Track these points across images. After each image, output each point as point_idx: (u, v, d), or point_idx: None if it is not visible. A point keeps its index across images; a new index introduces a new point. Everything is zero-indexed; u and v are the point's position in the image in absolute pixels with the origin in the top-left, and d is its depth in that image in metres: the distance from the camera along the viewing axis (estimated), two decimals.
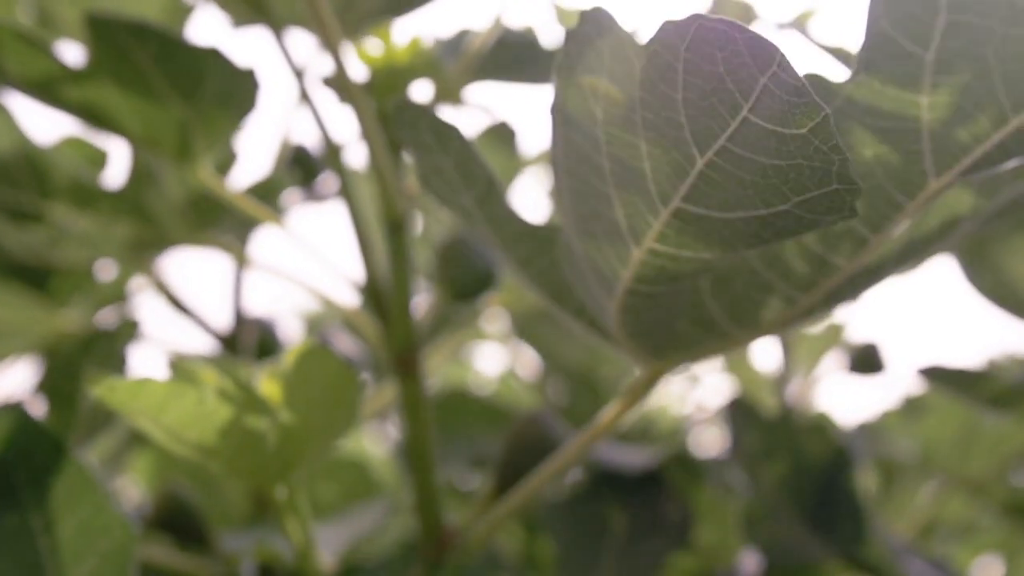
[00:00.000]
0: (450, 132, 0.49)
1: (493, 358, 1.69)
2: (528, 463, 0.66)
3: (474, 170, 0.50)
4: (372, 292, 0.69)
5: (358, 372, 0.56)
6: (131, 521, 0.56)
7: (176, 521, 0.78)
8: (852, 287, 0.53)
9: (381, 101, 0.67)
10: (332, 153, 0.71)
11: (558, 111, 0.45)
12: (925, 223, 0.53)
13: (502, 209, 0.51)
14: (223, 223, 0.81)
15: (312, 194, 0.91)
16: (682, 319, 0.51)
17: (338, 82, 0.65)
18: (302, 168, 0.89)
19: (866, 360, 1.09)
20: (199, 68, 0.62)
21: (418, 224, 1.02)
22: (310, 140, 0.94)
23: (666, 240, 0.43)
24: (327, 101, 0.75)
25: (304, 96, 0.72)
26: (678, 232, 0.42)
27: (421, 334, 0.68)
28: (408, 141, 0.51)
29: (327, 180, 0.92)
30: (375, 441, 1.47)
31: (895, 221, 0.46)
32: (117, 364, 0.72)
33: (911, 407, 1.35)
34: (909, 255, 0.53)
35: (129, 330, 0.93)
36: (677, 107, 0.39)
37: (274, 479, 0.60)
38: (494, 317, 1.61)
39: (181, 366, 0.55)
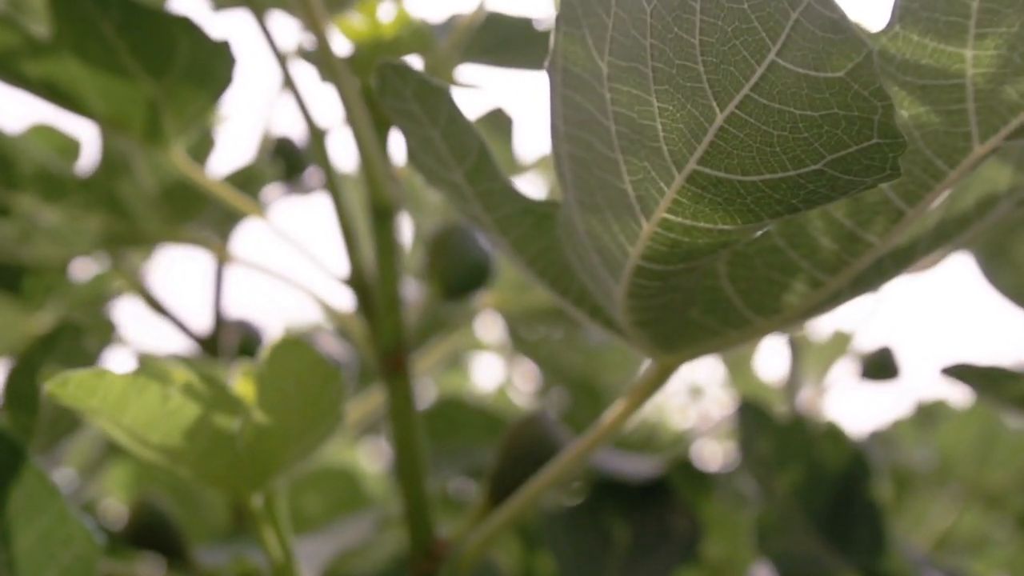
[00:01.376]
0: (438, 97, 0.44)
1: (490, 370, 1.65)
2: (526, 469, 0.60)
3: (465, 140, 0.45)
4: (358, 286, 0.64)
5: (340, 369, 0.52)
6: (95, 532, 0.52)
7: (150, 533, 0.73)
8: (880, 271, 0.49)
9: (366, 79, 0.62)
10: (316, 139, 0.67)
11: (558, 70, 0.40)
12: (960, 200, 0.48)
13: (496, 184, 0.46)
14: (202, 216, 0.76)
15: (297, 187, 0.87)
16: (696, 306, 0.46)
17: (320, 58, 0.60)
18: (286, 160, 0.85)
19: (880, 365, 1.04)
20: (168, 39, 0.57)
21: (408, 223, 0.97)
22: (295, 132, 0.90)
23: (680, 210, 0.38)
24: (311, 86, 0.71)
25: (287, 81, 0.67)
26: (693, 200, 0.37)
27: (410, 331, 0.63)
28: (392, 110, 0.46)
29: (312, 174, 0.87)
30: (371, 457, 1.42)
31: (935, 192, 0.41)
32: (85, 364, 0.67)
33: (923, 415, 1.30)
34: (942, 236, 0.49)
35: (104, 330, 0.88)
36: (694, 54, 0.34)
37: (249, 486, 0.55)
38: (490, 326, 1.56)
39: (145, 361, 0.50)
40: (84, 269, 0.95)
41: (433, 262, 0.68)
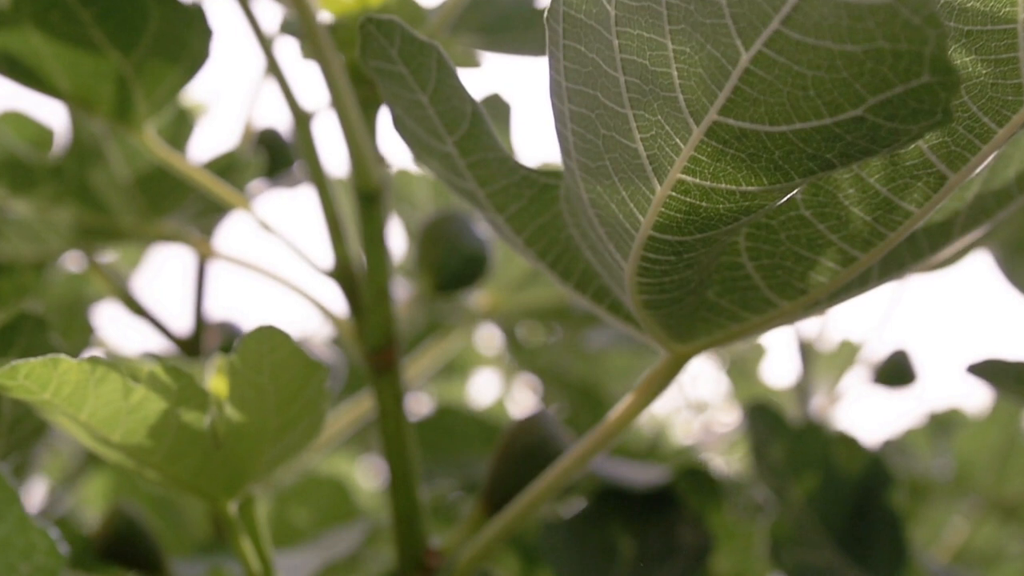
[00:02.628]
0: (427, 56, 0.40)
1: (488, 386, 1.61)
2: (525, 472, 0.56)
3: (456, 105, 0.41)
4: (343, 277, 0.59)
5: (321, 362, 0.47)
6: (58, 542, 0.47)
7: (124, 544, 0.69)
8: (913, 250, 0.44)
9: (351, 54, 0.58)
10: (300, 123, 0.62)
11: (558, 17, 0.36)
12: (1000, 172, 0.43)
13: (490, 153, 0.42)
14: (181, 209, 0.72)
15: (283, 180, 0.82)
16: (712, 286, 0.42)
17: (303, 30, 0.56)
18: (272, 152, 0.80)
19: (895, 370, 1.00)
20: (137, 8, 0.53)
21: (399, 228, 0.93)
22: (282, 126, 0.86)
23: (698, 169, 0.34)
24: (297, 74, 0.66)
25: (272, 66, 0.63)
26: (714, 157, 0.33)
27: (400, 326, 0.59)
28: (377, 73, 0.42)
29: (300, 167, 0.83)
30: (369, 475, 1.37)
31: (980, 154, 0.37)
32: None
33: (936, 425, 1.26)
34: (980, 213, 0.44)
35: (82, 333, 0.84)
36: None
37: (223, 491, 0.50)
38: (488, 343, 1.52)
39: (107, 353, 0.46)
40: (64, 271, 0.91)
41: (424, 253, 0.63)
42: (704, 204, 0.35)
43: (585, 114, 0.36)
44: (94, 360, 0.42)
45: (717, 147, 0.32)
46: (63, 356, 0.41)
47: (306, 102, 0.64)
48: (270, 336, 0.44)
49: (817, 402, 1.12)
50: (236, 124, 0.81)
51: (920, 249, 0.44)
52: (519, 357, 1.23)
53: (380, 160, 0.58)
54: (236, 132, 0.80)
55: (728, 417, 1.68)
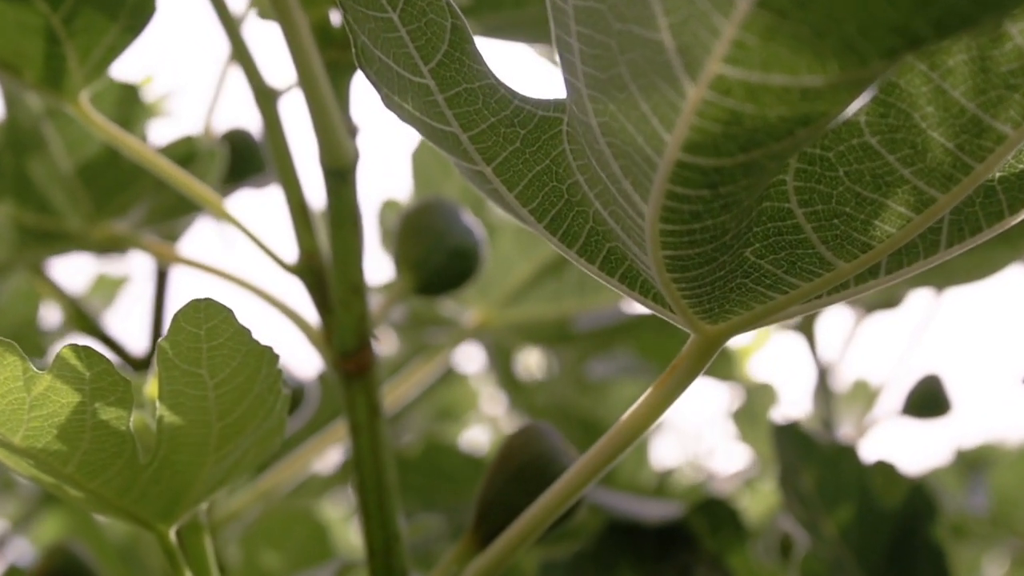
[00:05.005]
0: None
1: (483, 436, 1.53)
2: (522, 495, 0.47)
3: (433, 19, 0.33)
4: (308, 270, 0.51)
5: (271, 348, 0.39)
6: None
7: None
8: (988, 209, 0.36)
9: (318, 13, 0.51)
10: (264, 99, 0.55)
11: None
12: None
13: (476, 80, 0.34)
14: (135, 208, 0.64)
15: (251, 182, 0.74)
16: (753, 244, 0.34)
17: None
18: (240, 154, 0.73)
19: (927, 399, 0.91)
20: None
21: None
22: (252, 127, 0.78)
23: (743, 56, 0.26)
24: (266, 57, 0.59)
25: (236, 45, 0.56)
26: (766, 35, 0.25)
27: (376, 323, 0.51)
28: None
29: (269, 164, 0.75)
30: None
31: None
32: None
33: (965, 463, 1.17)
34: None
35: (35, 355, 0.75)
36: None
37: (158, 515, 0.42)
38: (491, 400, 1.44)
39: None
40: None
41: (404, 247, 0.55)
42: (749, 108, 0.27)
43: (594, 7, 0.29)
44: None
45: (771, 20, 0.25)
46: None
47: (273, 82, 0.56)
48: (207, 314, 0.36)
49: (843, 435, 1.04)
50: (199, 118, 0.74)
51: (998, 207, 0.36)
52: (515, 394, 1.15)
53: (352, 133, 0.50)
54: (199, 124, 0.72)
55: (735, 465, 1.60)
